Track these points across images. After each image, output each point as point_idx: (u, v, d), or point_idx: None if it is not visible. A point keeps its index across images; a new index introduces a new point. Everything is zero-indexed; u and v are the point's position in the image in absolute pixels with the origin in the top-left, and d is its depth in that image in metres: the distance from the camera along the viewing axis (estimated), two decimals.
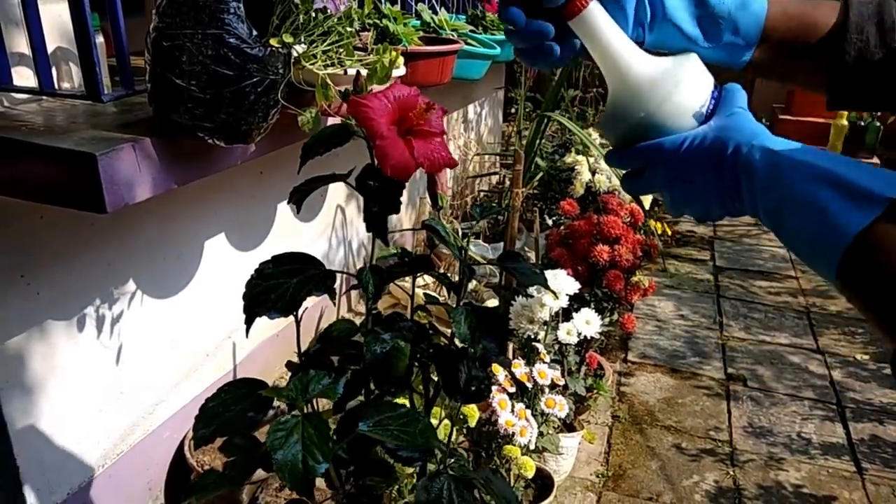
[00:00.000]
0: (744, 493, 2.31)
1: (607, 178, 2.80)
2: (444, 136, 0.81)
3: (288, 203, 0.94)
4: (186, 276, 2.00)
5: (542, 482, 2.08)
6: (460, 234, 1.09)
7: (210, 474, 0.81)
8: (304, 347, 0.98)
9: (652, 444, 2.53)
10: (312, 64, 1.22)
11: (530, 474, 1.62)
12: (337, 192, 2.75)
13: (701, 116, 0.62)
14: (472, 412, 1.38)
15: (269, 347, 2.41)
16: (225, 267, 2.15)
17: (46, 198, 1.22)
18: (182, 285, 1.98)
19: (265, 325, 2.33)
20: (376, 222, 0.83)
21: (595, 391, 2.34)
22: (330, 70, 1.24)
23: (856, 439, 2.60)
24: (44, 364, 1.57)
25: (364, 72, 1.17)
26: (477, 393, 0.92)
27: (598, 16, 0.63)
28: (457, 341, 0.94)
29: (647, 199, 2.77)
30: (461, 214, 3.88)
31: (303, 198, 0.94)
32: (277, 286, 0.85)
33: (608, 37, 0.63)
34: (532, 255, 2.79)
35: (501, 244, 2.79)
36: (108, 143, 1.16)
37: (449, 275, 2.04)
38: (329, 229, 2.73)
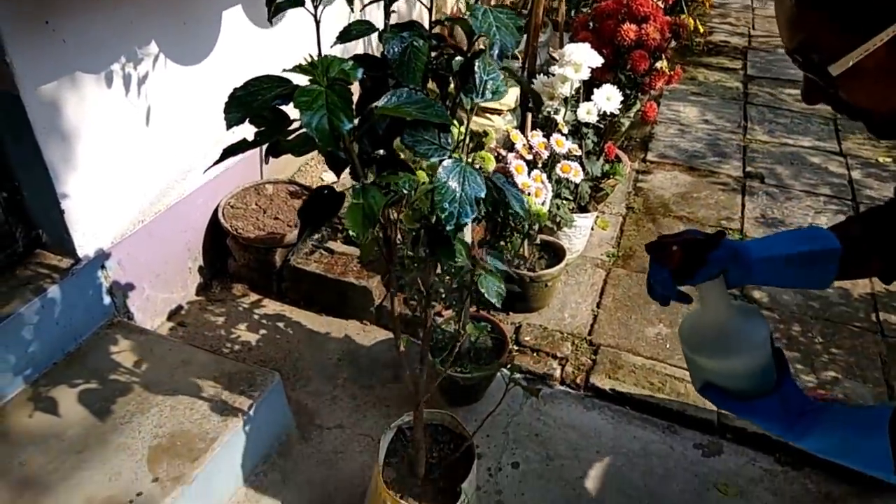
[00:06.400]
0: None
1: None
2: None
3: None
4: (207, 45, 2.00)
5: (555, 253, 2.20)
6: None
7: (241, 141, 0.88)
8: None
9: (663, 231, 2.62)
10: None
11: (545, 219, 1.71)
12: None
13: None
14: (489, 159, 1.44)
15: None
16: (244, 41, 2.14)
17: None
18: (204, 53, 1.98)
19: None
20: None
21: (612, 176, 2.39)
22: None
23: None
24: (77, 114, 1.63)
25: None
26: (494, 92, 0.96)
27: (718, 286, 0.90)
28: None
29: None
30: None
31: None
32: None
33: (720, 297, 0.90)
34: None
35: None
36: None
37: None
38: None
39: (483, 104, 2.48)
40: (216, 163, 0.89)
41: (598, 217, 2.63)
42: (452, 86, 1.05)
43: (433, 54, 1.00)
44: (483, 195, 0.92)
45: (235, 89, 0.91)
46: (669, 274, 0.92)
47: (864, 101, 0.71)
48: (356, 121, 0.84)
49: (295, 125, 0.93)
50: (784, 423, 0.87)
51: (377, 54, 1.01)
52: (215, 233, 2.19)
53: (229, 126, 0.88)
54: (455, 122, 0.95)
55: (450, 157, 0.93)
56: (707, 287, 0.90)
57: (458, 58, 0.99)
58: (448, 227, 0.90)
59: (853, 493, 1.73)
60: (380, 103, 0.85)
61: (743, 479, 1.77)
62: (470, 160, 0.95)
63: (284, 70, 0.86)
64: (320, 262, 2.16)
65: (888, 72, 0.67)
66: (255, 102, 0.90)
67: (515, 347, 2.10)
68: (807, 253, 0.94)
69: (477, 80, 0.95)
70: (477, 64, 0.94)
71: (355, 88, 0.87)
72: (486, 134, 1.48)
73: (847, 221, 1.01)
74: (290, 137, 0.95)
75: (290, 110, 0.89)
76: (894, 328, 2.20)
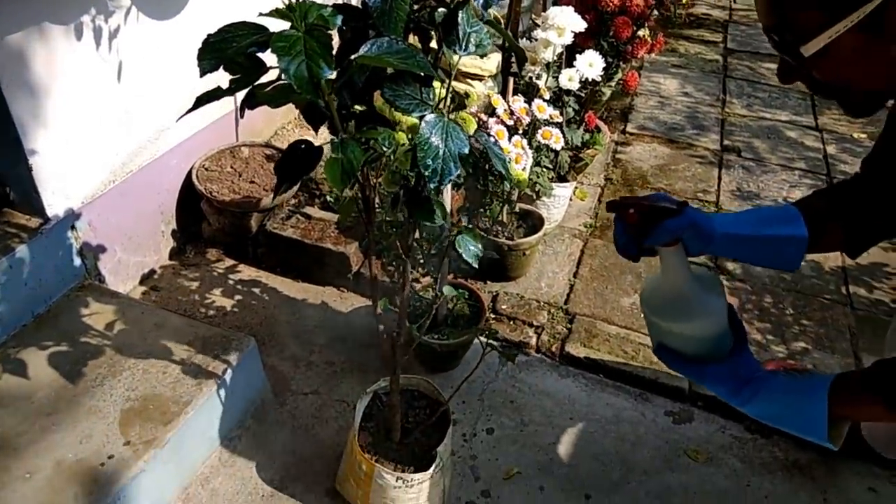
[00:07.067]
0: None
1: None
2: None
3: None
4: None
5: (533, 223, 2.19)
6: None
7: (216, 89, 0.85)
8: None
9: None
10: None
11: (525, 186, 1.70)
12: None
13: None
14: (471, 121, 1.42)
15: None
16: None
17: None
18: (177, 7, 1.92)
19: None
20: None
21: (592, 146, 2.38)
22: None
23: None
24: (46, 69, 1.57)
25: None
26: (478, 45, 0.94)
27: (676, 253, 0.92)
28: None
29: None
30: None
31: None
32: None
33: (679, 263, 0.92)
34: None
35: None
36: None
37: None
38: None
39: (463, 69, 2.43)
40: (189, 111, 0.86)
41: (576, 187, 2.63)
42: (434, 42, 1.02)
43: (416, 6, 0.98)
44: (467, 151, 0.90)
45: (209, 35, 0.88)
46: (633, 234, 0.94)
47: (836, 81, 0.74)
48: (335, 72, 0.81)
49: (271, 77, 0.90)
50: (731, 388, 0.89)
51: (356, 8, 0.98)
52: (189, 196, 2.15)
53: (203, 73, 0.85)
54: (436, 80, 0.93)
55: (432, 112, 0.91)
56: (667, 252, 0.92)
57: (442, 10, 0.97)
58: (431, 185, 0.88)
59: (819, 461, 1.77)
60: (360, 52, 0.82)
61: (713, 445, 1.80)
62: (452, 118, 0.93)
63: (261, 14, 0.84)
64: (297, 227, 2.13)
65: (859, 53, 0.68)
66: (229, 49, 0.87)
67: (492, 316, 2.10)
68: (771, 237, 0.96)
69: (460, 33, 0.93)
70: (461, 15, 0.92)
71: (334, 41, 0.84)
72: (467, 95, 1.46)
73: (813, 195, 1.03)
74: (266, 89, 0.93)
75: (267, 59, 0.86)
76: (863, 301, 2.24)
